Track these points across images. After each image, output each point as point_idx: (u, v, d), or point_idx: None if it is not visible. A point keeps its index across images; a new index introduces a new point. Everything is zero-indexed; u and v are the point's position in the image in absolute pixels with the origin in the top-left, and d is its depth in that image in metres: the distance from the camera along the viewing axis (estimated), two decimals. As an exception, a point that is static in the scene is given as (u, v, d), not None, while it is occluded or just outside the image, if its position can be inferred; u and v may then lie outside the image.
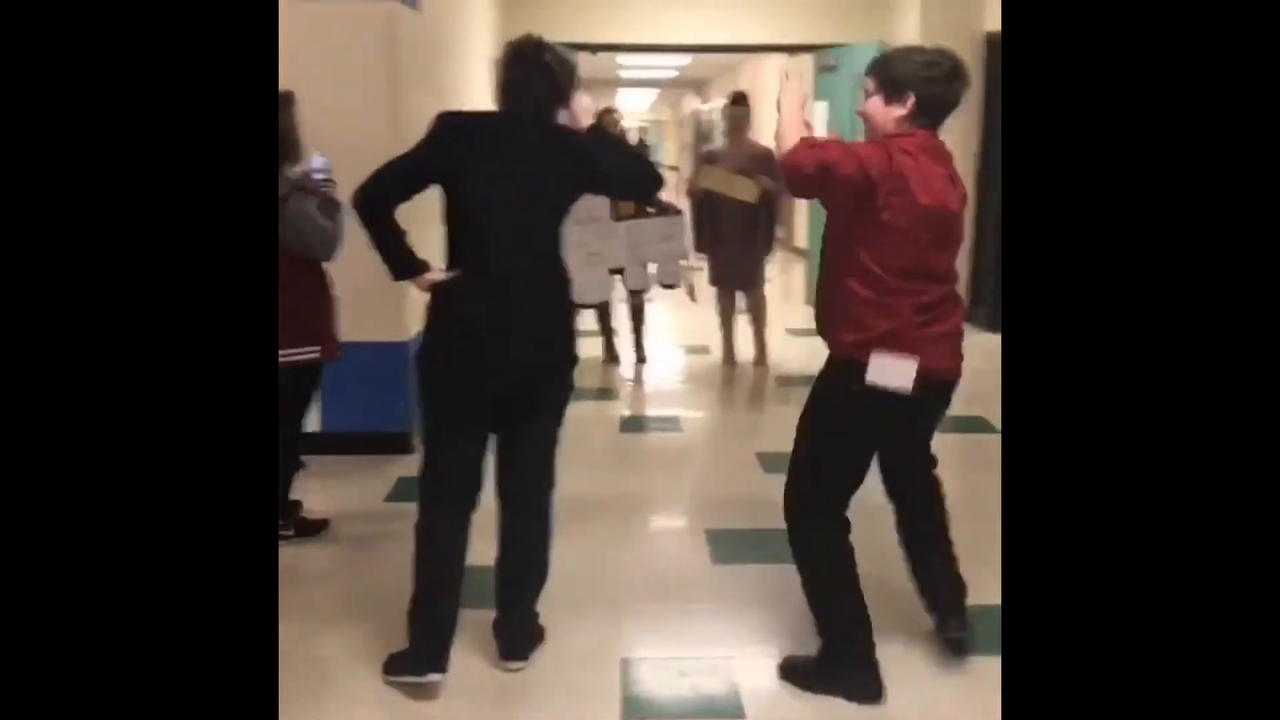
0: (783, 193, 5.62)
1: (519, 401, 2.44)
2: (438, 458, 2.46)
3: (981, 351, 6.08)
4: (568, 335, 2.49)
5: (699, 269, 5.69)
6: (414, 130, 4.21)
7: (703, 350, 6.30)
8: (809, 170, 2.19)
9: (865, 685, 2.43)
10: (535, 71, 2.35)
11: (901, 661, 2.58)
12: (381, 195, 2.38)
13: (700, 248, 5.66)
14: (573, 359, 2.51)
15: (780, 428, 4.83)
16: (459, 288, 2.35)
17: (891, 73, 2.29)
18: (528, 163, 2.33)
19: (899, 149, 2.21)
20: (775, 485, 3.89)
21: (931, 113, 2.28)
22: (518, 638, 2.57)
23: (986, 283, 6.75)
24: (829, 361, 2.37)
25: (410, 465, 4.04)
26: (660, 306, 7.13)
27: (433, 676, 2.43)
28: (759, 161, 5.48)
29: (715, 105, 18.54)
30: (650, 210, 5.42)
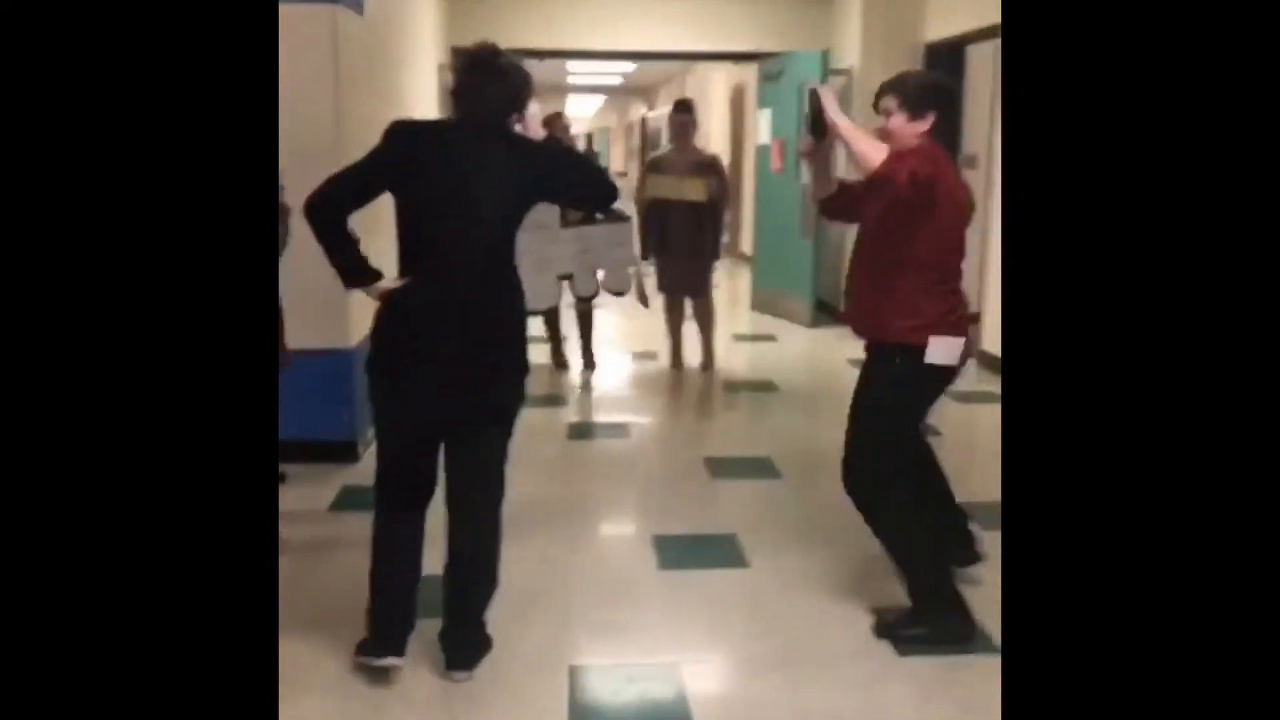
0: (726, 199, 5.69)
1: (469, 410, 2.42)
2: (388, 463, 2.48)
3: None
4: (518, 345, 2.47)
5: (650, 275, 5.71)
6: (358, 135, 4.20)
7: (651, 356, 6.32)
8: (901, 180, 2.46)
9: (960, 624, 2.68)
10: (491, 79, 2.35)
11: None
12: (333, 203, 2.37)
13: (647, 254, 5.69)
14: (523, 369, 2.50)
15: (727, 433, 4.91)
16: (408, 296, 2.35)
17: (913, 94, 2.62)
18: (479, 171, 2.32)
19: (940, 158, 2.60)
20: (721, 490, 3.97)
21: (942, 128, 2.64)
22: (464, 648, 2.55)
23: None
24: (879, 348, 2.69)
25: (355, 474, 4.02)
26: (608, 313, 7.14)
27: (390, 660, 2.48)
28: (704, 168, 5.53)
29: (661, 112, 18.63)
30: (599, 217, 5.43)
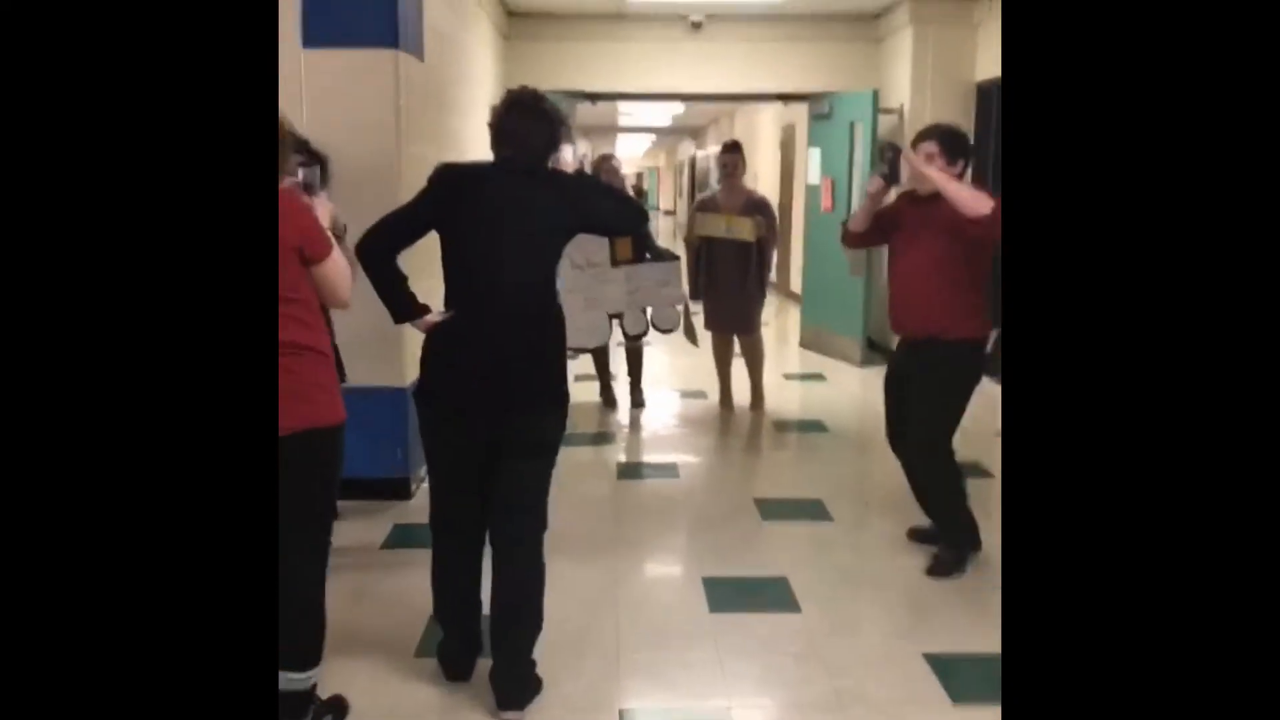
0: (774, 238, 5.68)
1: (508, 441, 2.48)
2: (440, 495, 2.59)
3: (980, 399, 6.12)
4: (556, 376, 2.53)
5: (699, 313, 5.72)
6: (417, 175, 4.27)
7: (700, 395, 6.31)
8: (998, 221, 3.04)
9: (975, 540, 3.54)
10: (534, 122, 2.47)
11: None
12: (382, 244, 2.51)
13: (696, 293, 5.71)
14: (561, 399, 2.55)
15: (777, 474, 4.87)
16: (451, 330, 2.47)
17: (957, 144, 3.31)
18: (518, 209, 2.43)
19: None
20: (772, 532, 3.93)
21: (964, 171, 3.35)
22: (514, 688, 2.55)
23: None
24: (944, 345, 3.30)
25: (408, 511, 4.06)
26: (658, 351, 7.17)
27: (456, 681, 2.67)
28: (753, 207, 5.54)
29: (710, 151, 18.76)
30: (648, 255, 5.47)
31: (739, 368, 5.86)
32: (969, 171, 3.40)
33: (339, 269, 2.33)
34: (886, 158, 3.40)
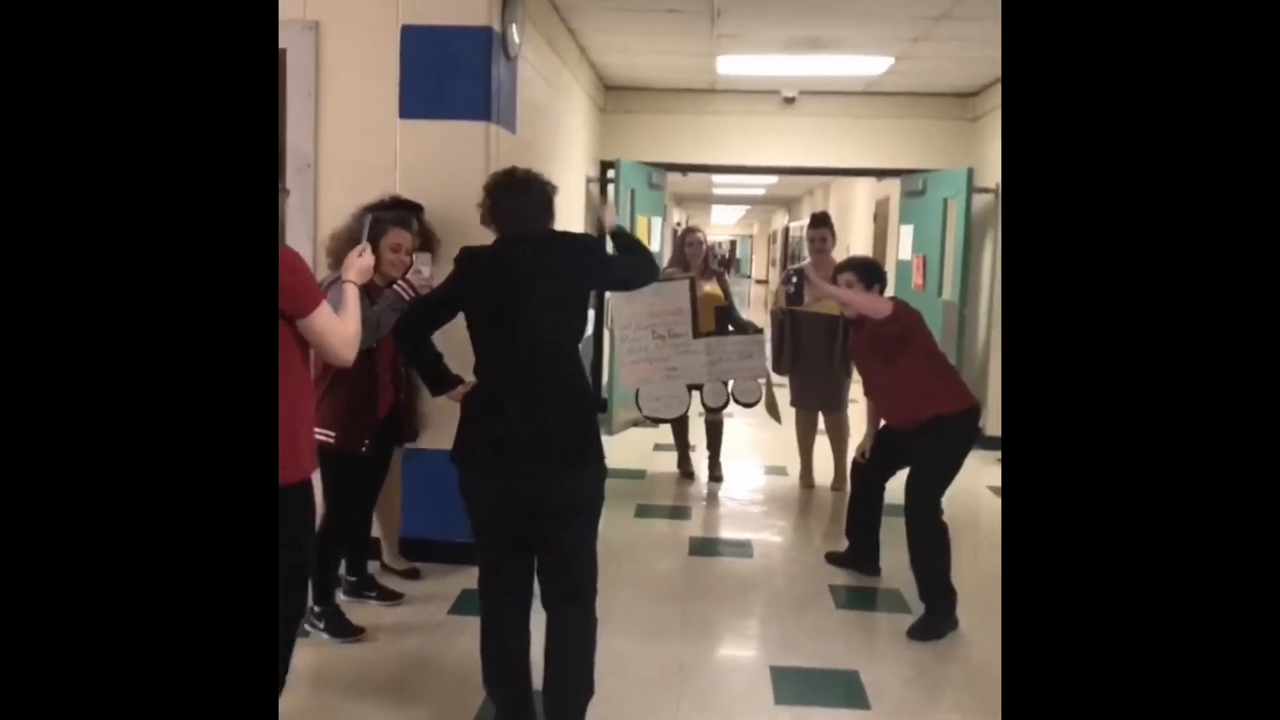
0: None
1: (547, 501, 2.47)
2: (484, 561, 2.59)
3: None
4: (588, 432, 2.53)
5: (782, 386, 5.63)
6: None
7: (781, 471, 6.19)
8: (899, 317, 3.80)
9: (952, 611, 3.73)
10: (518, 192, 2.58)
11: None
12: (415, 327, 2.76)
13: (779, 368, 5.63)
14: (596, 454, 2.53)
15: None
16: (483, 396, 2.53)
17: (871, 272, 4.00)
18: (534, 275, 2.49)
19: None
20: (847, 621, 3.78)
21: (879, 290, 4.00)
22: None
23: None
24: (938, 420, 3.72)
25: (474, 577, 4.02)
26: (739, 424, 7.07)
27: None
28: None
29: (802, 222, 18.74)
30: (731, 329, 5.43)
31: (822, 445, 5.73)
32: (885, 292, 3.99)
33: (329, 325, 2.30)
34: (792, 281, 4.14)
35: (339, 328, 2.35)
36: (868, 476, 4.26)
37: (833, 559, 4.43)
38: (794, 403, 5.65)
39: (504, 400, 2.47)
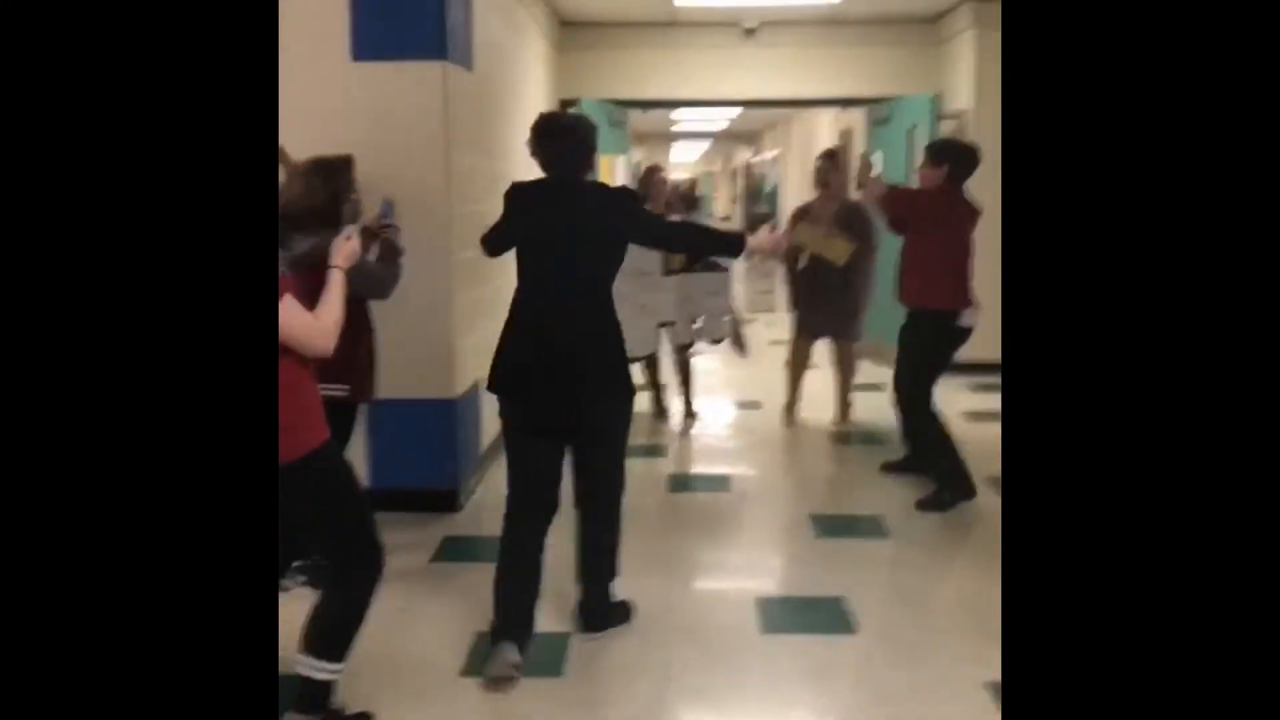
0: (871, 250, 5.50)
1: (580, 425, 2.80)
2: (514, 472, 2.85)
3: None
4: (620, 364, 2.80)
5: (750, 320, 5.60)
6: (466, 186, 4.26)
7: (755, 405, 6.21)
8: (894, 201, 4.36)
9: (967, 487, 4.17)
10: (570, 143, 2.79)
11: None
12: (497, 251, 2.97)
13: (795, 303, 5.56)
14: (627, 386, 2.82)
15: (833, 488, 4.74)
16: (520, 326, 2.77)
17: (932, 151, 4.24)
18: (571, 215, 2.76)
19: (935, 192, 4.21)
20: (828, 549, 3.82)
21: (957, 172, 4.15)
22: (596, 615, 3.02)
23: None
24: (921, 312, 4.17)
25: (456, 524, 4.03)
26: (709, 360, 7.07)
27: (510, 654, 2.73)
28: (847, 214, 5.38)
29: (766, 156, 18.62)
30: (698, 265, 5.38)
31: (812, 381, 5.67)
32: (966, 176, 4.15)
33: (293, 319, 2.17)
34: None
35: (306, 320, 2.22)
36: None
37: (889, 468, 4.66)
38: (800, 328, 5.58)
39: (542, 331, 2.72)
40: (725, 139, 22.02)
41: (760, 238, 3.08)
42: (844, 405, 5.67)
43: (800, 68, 7.49)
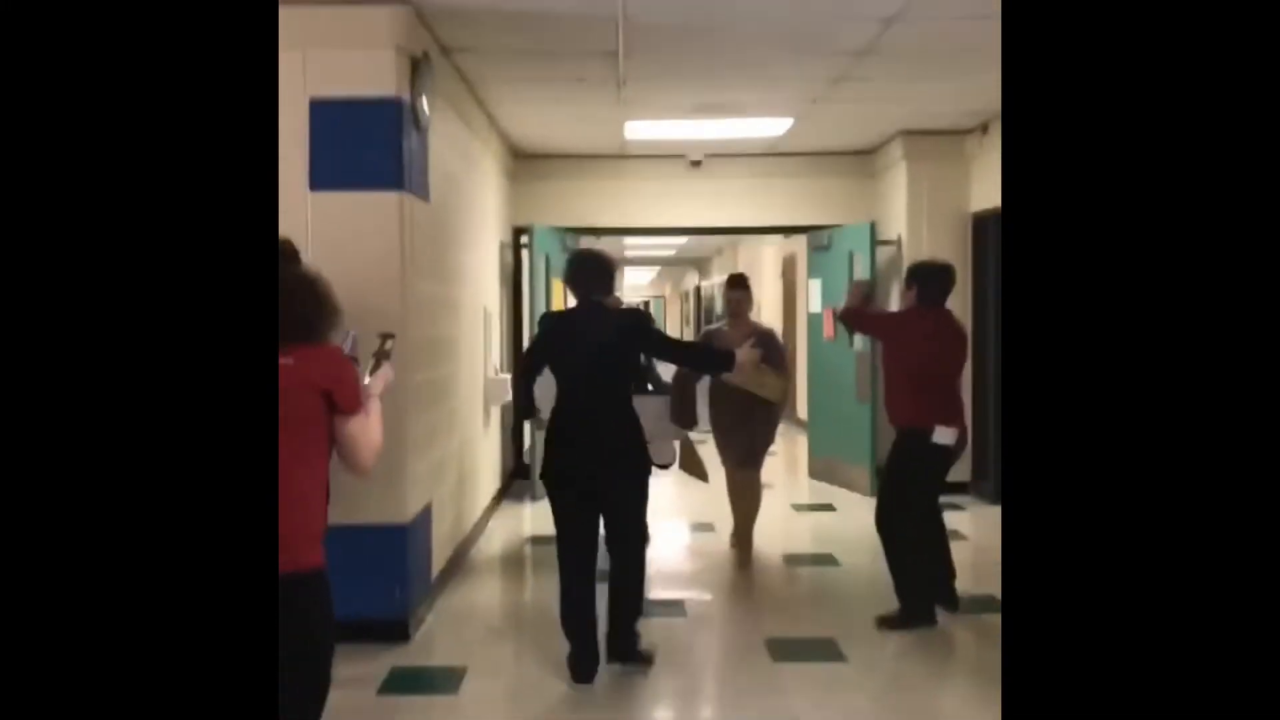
0: (784, 369, 5.49)
1: (607, 491, 3.58)
2: (563, 542, 3.64)
3: (991, 524, 5.99)
4: (639, 449, 3.62)
5: (702, 441, 5.58)
6: (422, 312, 4.31)
7: (708, 528, 6.19)
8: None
9: (928, 615, 4.20)
10: (596, 272, 3.67)
11: None
12: (526, 375, 3.80)
13: (685, 423, 5.23)
14: (645, 465, 3.67)
15: (788, 611, 4.69)
16: (561, 425, 3.59)
17: (905, 274, 4.45)
18: (595, 334, 3.56)
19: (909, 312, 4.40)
20: (784, 675, 3.77)
21: (928, 292, 4.28)
22: (624, 649, 3.66)
23: (989, 456, 6.71)
24: (907, 430, 4.22)
25: (406, 654, 3.91)
26: (663, 483, 7.04)
27: (583, 684, 3.56)
28: (761, 339, 5.38)
29: (714, 281, 19.05)
30: (649, 388, 5.33)
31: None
32: (944, 296, 4.30)
33: (367, 431, 2.36)
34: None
35: (373, 437, 2.40)
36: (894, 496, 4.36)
37: (886, 623, 4.20)
38: (723, 457, 5.47)
39: (578, 427, 3.53)
40: (674, 264, 22.56)
41: (744, 353, 3.84)
42: (740, 534, 5.47)
43: (744, 197, 7.80)
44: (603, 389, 3.54)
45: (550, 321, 3.80)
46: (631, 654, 3.65)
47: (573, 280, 3.69)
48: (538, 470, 3.88)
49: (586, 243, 8.88)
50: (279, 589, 2.12)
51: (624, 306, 4.02)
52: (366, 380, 2.57)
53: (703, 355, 4.30)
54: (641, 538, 3.77)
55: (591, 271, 3.66)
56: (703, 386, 5.23)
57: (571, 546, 3.59)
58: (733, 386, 5.21)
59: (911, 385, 4.14)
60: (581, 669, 3.56)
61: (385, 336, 2.79)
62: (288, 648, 2.29)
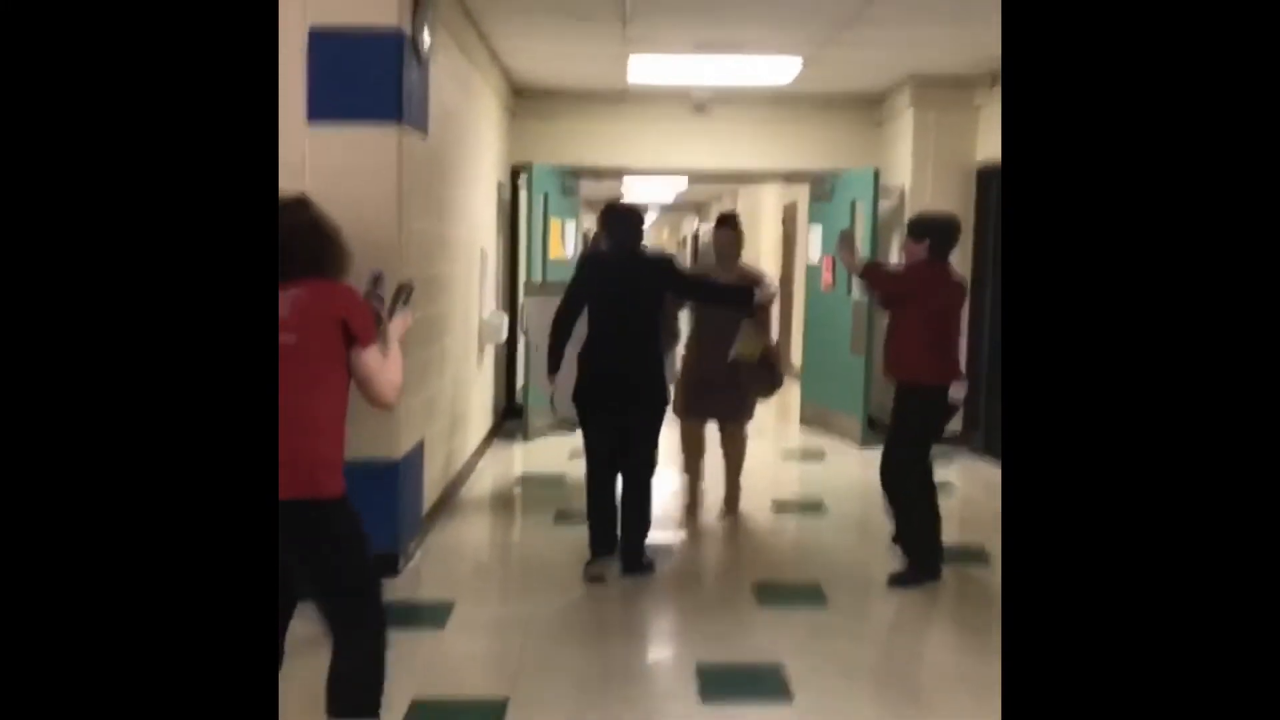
0: (768, 315, 5.24)
1: (627, 420, 4.11)
2: (590, 451, 4.24)
3: (978, 476, 6.04)
4: (660, 385, 4.17)
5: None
6: (419, 249, 4.29)
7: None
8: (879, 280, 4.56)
9: (937, 566, 4.22)
10: (632, 224, 4.25)
11: None
12: (569, 315, 4.19)
13: (684, 388, 5.10)
14: (663, 399, 4.21)
15: (775, 556, 4.73)
16: (592, 358, 4.13)
17: (912, 227, 4.33)
18: (628, 279, 4.12)
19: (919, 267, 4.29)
20: (768, 618, 3.83)
21: (938, 247, 4.22)
22: (634, 561, 4.17)
23: (984, 405, 6.73)
24: (912, 386, 4.18)
25: (395, 588, 3.94)
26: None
27: (602, 563, 4.16)
28: (749, 282, 5.14)
29: (711, 225, 18.92)
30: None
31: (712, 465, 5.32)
32: (949, 250, 4.24)
33: (385, 369, 2.39)
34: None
35: (393, 375, 2.44)
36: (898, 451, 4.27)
37: (896, 580, 4.16)
38: (679, 411, 5.07)
39: (607, 361, 4.07)
40: (674, 210, 22.39)
41: (764, 294, 4.45)
42: (731, 495, 5.25)
43: (747, 142, 7.71)
44: (632, 326, 4.05)
45: (590, 263, 4.39)
46: (638, 566, 4.16)
47: (610, 228, 4.19)
48: (548, 396, 4.40)
49: (586, 185, 8.86)
50: (304, 514, 2.19)
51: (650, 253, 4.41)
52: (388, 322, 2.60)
53: (724, 293, 4.54)
54: (651, 464, 4.18)
55: (629, 222, 4.21)
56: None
57: (597, 453, 4.17)
58: (710, 318, 4.94)
59: (921, 341, 4.08)
60: (601, 545, 4.14)
61: (404, 285, 2.82)
62: (328, 574, 2.35)
